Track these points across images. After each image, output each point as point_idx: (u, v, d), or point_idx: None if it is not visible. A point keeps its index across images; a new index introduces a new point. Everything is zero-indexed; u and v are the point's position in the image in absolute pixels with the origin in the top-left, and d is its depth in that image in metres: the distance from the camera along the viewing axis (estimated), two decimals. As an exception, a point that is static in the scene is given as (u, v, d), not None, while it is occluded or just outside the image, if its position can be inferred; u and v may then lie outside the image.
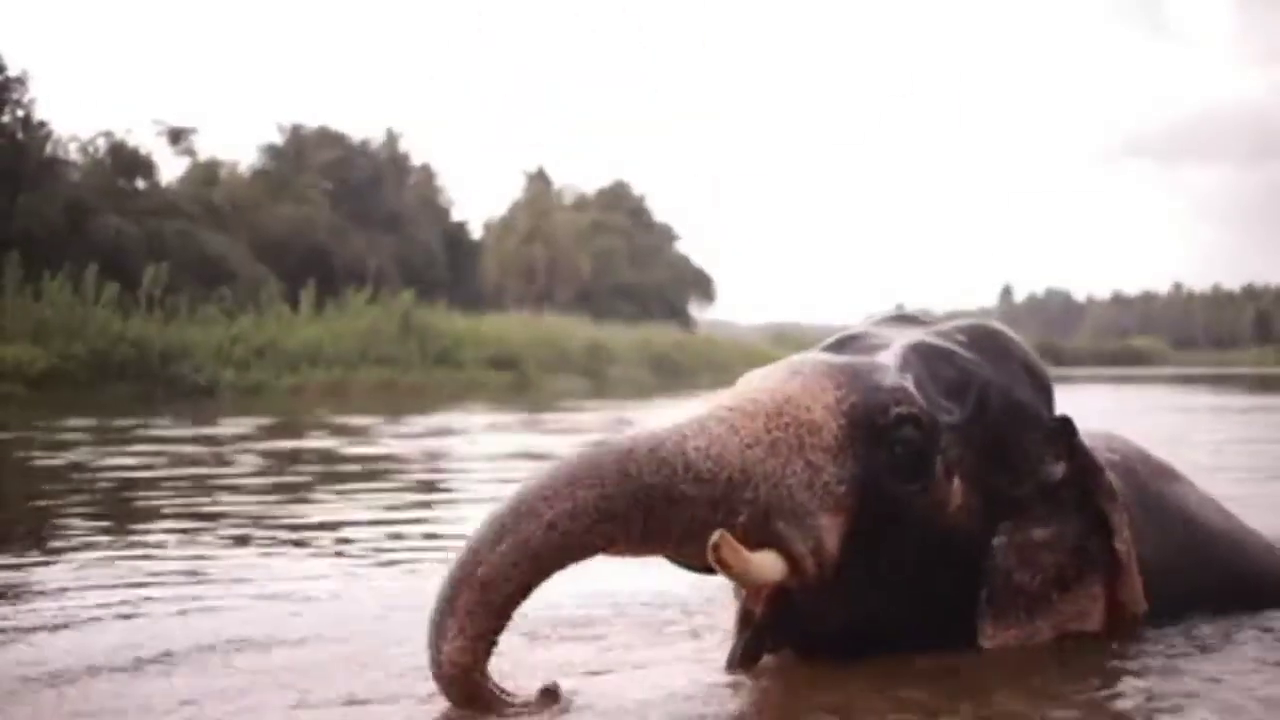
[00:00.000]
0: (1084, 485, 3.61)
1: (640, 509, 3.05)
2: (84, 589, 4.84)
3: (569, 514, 3.01)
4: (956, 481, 3.43)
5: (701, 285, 69.38)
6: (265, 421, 17.02)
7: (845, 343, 3.72)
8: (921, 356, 3.56)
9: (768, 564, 3.18)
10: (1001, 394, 3.57)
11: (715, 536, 3.03)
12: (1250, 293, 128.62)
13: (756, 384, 3.45)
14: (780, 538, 3.19)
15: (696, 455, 3.14)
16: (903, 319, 3.91)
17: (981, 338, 3.72)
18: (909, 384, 3.44)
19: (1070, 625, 3.58)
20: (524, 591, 3.02)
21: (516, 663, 3.32)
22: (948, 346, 3.63)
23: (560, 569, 3.06)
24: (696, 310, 68.35)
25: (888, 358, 3.55)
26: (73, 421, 15.96)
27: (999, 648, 3.46)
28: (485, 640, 3.00)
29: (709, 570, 3.16)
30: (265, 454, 11.87)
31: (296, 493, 8.40)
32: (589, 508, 3.02)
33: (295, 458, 11.68)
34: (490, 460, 11.40)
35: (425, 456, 12.04)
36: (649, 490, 3.06)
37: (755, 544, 3.17)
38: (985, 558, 3.47)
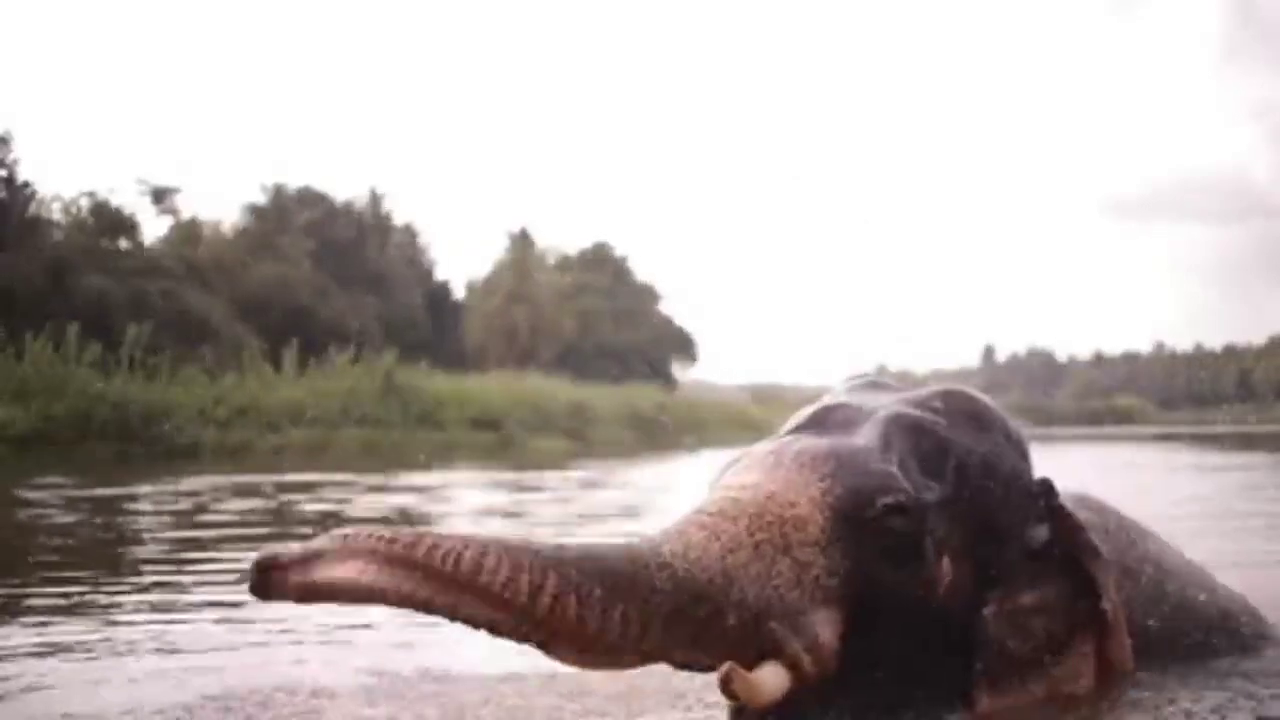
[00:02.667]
0: (1068, 546, 3.60)
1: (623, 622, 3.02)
2: None
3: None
4: (946, 561, 3.41)
5: (683, 345, 69.51)
6: (240, 479, 16.97)
7: (824, 416, 3.68)
8: (902, 430, 3.52)
9: (772, 681, 3.11)
10: (982, 462, 3.55)
11: (724, 670, 2.98)
12: (1232, 352, 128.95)
13: (738, 480, 3.41)
14: (775, 640, 3.14)
15: (676, 561, 3.10)
16: (876, 385, 3.90)
17: (957, 404, 3.69)
18: (893, 466, 3.41)
19: (1063, 687, 3.57)
20: None
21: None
22: (926, 417, 3.59)
23: None
24: (679, 370, 68.46)
25: (869, 435, 3.51)
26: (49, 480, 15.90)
27: (993, 713, 3.44)
28: None
29: (706, 669, 3.12)
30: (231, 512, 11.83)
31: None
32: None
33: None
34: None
35: (398, 515, 12.01)
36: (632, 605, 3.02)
37: (753, 654, 3.13)
38: (976, 629, 3.45)
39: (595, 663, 3.09)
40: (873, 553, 3.28)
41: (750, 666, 3.07)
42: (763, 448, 3.54)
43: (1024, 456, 3.71)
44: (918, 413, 3.60)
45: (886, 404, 3.66)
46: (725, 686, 2.99)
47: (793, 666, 3.16)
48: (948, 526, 3.42)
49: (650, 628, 3.03)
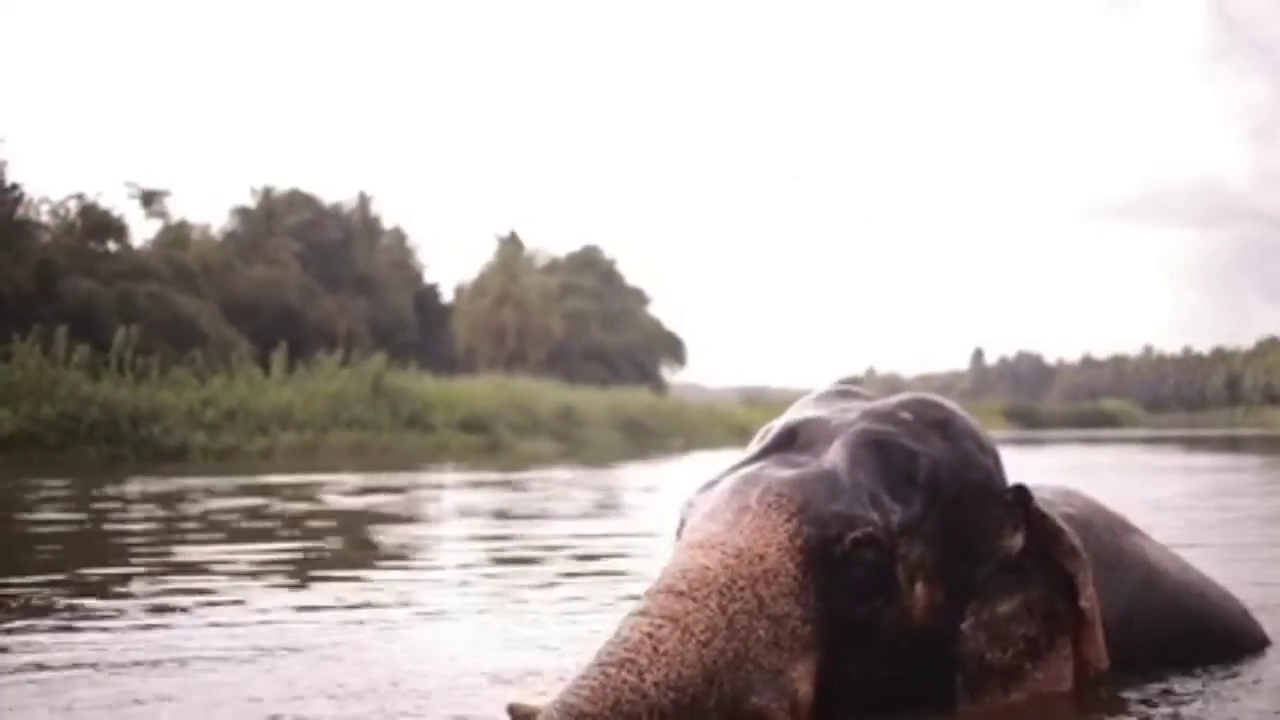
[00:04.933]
0: (1046, 549, 3.59)
1: None
2: None
3: None
4: (920, 585, 3.41)
5: (673, 348, 69.44)
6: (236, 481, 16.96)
7: (792, 434, 3.66)
8: (868, 448, 3.50)
9: None
10: (953, 474, 3.53)
11: None
12: (1220, 355, 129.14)
13: (704, 532, 3.39)
14: (755, 709, 3.15)
15: (657, 691, 3.07)
16: (844, 394, 3.88)
17: (924, 414, 3.66)
18: (861, 492, 3.39)
19: (1044, 689, 3.57)
20: None
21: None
22: (893, 431, 3.57)
23: None
24: (668, 373, 68.43)
25: (835, 458, 3.49)
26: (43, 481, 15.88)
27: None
28: None
29: None
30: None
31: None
32: None
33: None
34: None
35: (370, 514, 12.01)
36: None
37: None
38: (955, 642, 3.45)
39: None
40: (845, 588, 3.29)
41: None
42: (729, 483, 3.52)
43: (996, 464, 3.68)
44: (884, 427, 3.58)
45: (853, 419, 3.63)
46: None
47: None
48: (920, 549, 3.42)
49: None
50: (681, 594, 3.21)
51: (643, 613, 3.19)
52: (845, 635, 3.28)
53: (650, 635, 3.12)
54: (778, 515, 3.33)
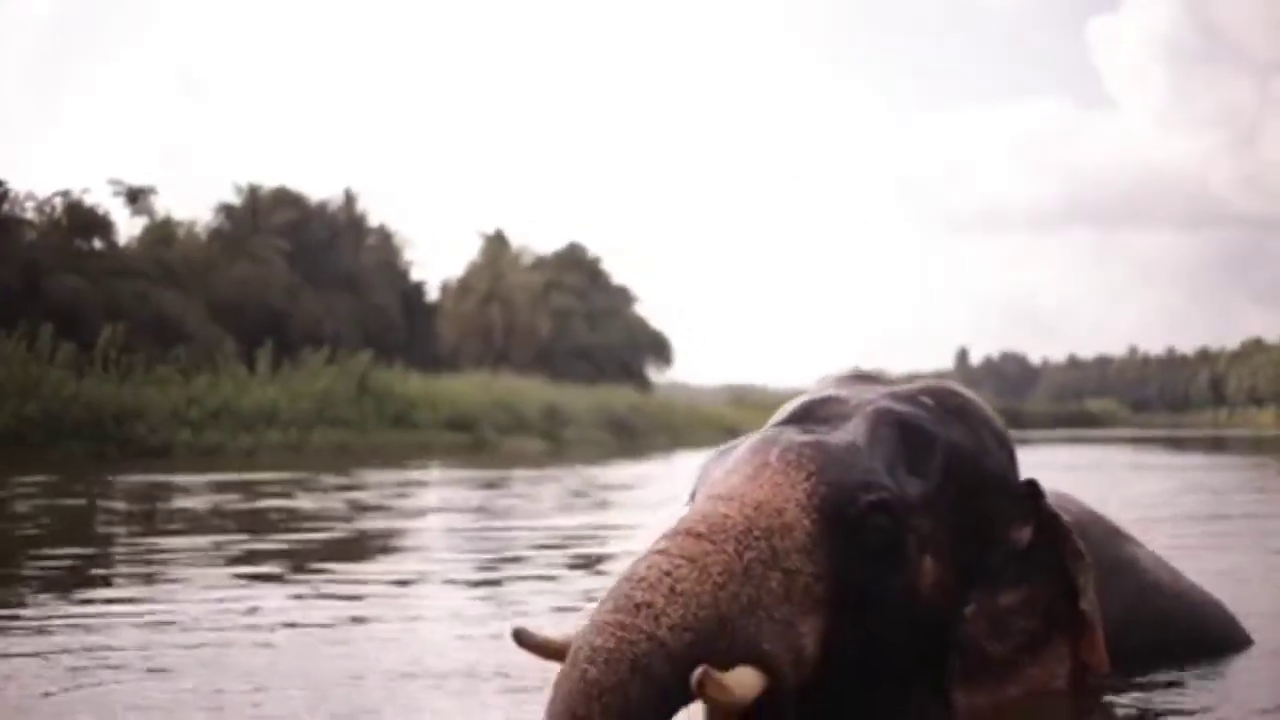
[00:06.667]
0: (1053, 548, 3.61)
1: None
2: None
3: None
4: (929, 559, 3.43)
5: (659, 347, 69.33)
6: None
7: (811, 410, 3.70)
8: (889, 426, 3.53)
9: (748, 682, 3.12)
10: (969, 462, 3.56)
11: (698, 674, 2.98)
12: (1205, 356, 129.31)
13: (725, 485, 3.42)
14: (764, 656, 3.15)
15: (673, 636, 3.07)
16: (863, 378, 3.92)
17: (945, 401, 3.70)
18: (878, 463, 3.43)
19: (1038, 687, 3.59)
20: None
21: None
22: (914, 413, 3.60)
23: None
24: (654, 372, 68.32)
25: (855, 431, 3.53)
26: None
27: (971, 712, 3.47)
28: None
29: None
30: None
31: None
32: None
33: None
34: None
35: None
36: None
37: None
38: (955, 628, 3.46)
39: None
40: (856, 551, 3.31)
41: (726, 667, 3.08)
42: (749, 443, 3.56)
43: (1010, 456, 3.72)
44: (905, 408, 3.61)
45: (874, 398, 3.67)
46: (700, 689, 2.99)
47: (773, 675, 3.16)
48: (932, 525, 3.44)
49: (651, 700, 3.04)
50: (700, 536, 3.24)
51: (661, 552, 3.21)
52: (853, 598, 3.29)
53: (669, 574, 3.14)
54: (796, 473, 3.37)
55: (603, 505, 13.09)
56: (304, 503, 13.23)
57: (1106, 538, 4.17)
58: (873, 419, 3.55)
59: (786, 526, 3.27)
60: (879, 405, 3.61)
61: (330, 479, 17.37)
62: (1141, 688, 3.89)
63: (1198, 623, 4.29)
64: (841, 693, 3.35)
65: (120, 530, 10.16)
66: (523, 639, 3.35)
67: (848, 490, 3.34)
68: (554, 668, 3.14)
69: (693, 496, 3.65)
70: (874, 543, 3.33)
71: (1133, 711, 3.71)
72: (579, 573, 7.11)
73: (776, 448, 3.46)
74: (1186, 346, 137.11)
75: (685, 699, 3.05)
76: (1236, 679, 4.10)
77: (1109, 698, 3.78)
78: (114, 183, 46.15)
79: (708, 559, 3.18)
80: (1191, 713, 3.71)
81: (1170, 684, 3.95)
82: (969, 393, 3.82)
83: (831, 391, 3.79)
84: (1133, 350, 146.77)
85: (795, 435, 3.53)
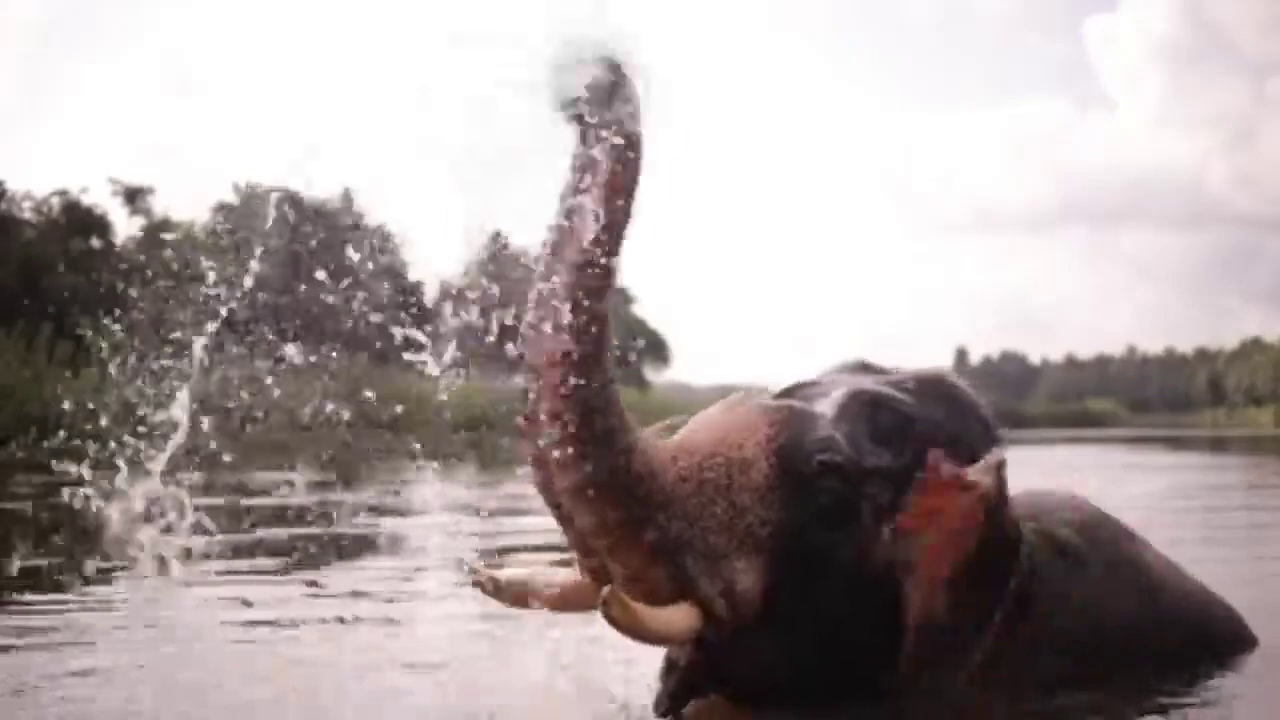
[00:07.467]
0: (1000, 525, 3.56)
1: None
2: None
3: None
4: (886, 530, 3.42)
5: (656, 348, 69.46)
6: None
7: (795, 389, 3.75)
8: (861, 404, 3.57)
9: (675, 619, 3.17)
10: (947, 443, 3.52)
11: (604, 593, 3.03)
12: (1203, 355, 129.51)
13: (703, 418, 3.53)
14: (687, 576, 3.20)
15: (636, 461, 3.17)
16: (860, 368, 3.95)
17: (928, 385, 3.73)
18: (839, 433, 3.46)
19: (985, 662, 3.52)
20: None
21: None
22: (890, 393, 3.63)
23: None
24: (652, 372, 68.39)
25: (826, 405, 3.57)
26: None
27: (920, 698, 3.46)
28: None
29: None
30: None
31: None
32: None
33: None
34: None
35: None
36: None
37: (668, 592, 3.19)
38: (909, 606, 3.44)
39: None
40: (808, 510, 3.34)
41: (664, 605, 3.14)
42: (727, 399, 3.63)
43: (993, 440, 3.68)
44: (881, 388, 3.66)
45: (856, 381, 3.72)
46: (604, 609, 3.06)
47: (706, 609, 3.21)
48: (894, 497, 3.44)
49: (592, 503, 3.16)
50: (678, 444, 3.38)
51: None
52: (799, 555, 3.33)
53: (656, 442, 3.34)
54: (761, 418, 3.44)
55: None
56: (301, 500, 13.21)
57: (1115, 538, 4.16)
58: (846, 396, 3.60)
59: (745, 462, 3.34)
60: (856, 385, 3.67)
61: (329, 478, 17.35)
62: (1150, 689, 3.87)
63: (1205, 623, 4.27)
64: (790, 653, 3.38)
65: (117, 529, 10.10)
66: (483, 586, 3.53)
67: (804, 449, 3.39)
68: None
69: None
70: (827, 504, 3.36)
71: (1140, 712, 3.68)
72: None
73: (749, 401, 3.55)
74: (1185, 346, 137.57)
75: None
76: (1246, 679, 4.08)
77: (1118, 698, 3.75)
78: (112, 182, 46.18)
79: (680, 457, 3.31)
80: (1201, 712, 3.69)
81: (1179, 684, 3.93)
82: (959, 381, 3.84)
83: (823, 377, 3.85)
84: (1131, 350, 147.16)
85: (768, 399, 3.62)
